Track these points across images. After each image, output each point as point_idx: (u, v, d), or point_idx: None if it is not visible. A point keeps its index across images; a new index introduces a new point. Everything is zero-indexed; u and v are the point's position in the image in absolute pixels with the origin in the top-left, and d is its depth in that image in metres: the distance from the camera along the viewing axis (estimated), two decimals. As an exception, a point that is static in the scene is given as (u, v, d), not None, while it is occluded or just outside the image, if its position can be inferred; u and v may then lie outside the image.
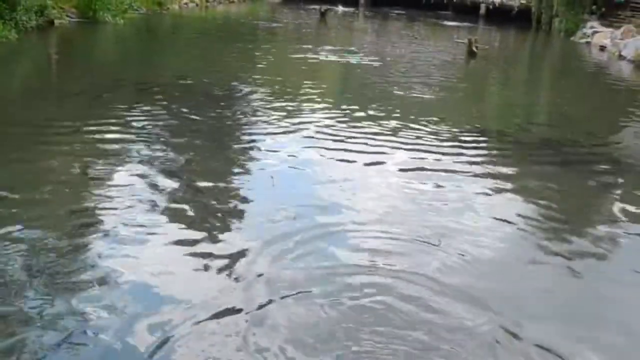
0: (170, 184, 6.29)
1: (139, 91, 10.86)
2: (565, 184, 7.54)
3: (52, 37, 17.11)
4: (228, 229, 5.43)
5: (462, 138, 9.10)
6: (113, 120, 8.54)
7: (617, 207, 6.80)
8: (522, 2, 32.32)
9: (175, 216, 5.52)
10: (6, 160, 6.76)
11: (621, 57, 20.33)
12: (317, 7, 30.77)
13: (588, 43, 23.92)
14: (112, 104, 9.71)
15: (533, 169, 8.08)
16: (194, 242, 5.04)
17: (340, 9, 32.62)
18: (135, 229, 5.15)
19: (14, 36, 14.73)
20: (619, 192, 7.60)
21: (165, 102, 9.78)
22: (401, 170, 7.37)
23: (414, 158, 7.92)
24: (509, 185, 7.24)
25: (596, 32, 24.00)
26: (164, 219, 5.45)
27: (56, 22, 17.64)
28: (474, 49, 18.42)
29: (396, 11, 34.14)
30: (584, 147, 9.37)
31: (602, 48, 22.23)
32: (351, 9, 33.79)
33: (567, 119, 11.72)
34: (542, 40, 27.22)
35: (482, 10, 33.28)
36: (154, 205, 5.69)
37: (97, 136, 7.76)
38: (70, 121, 8.37)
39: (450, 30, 29.10)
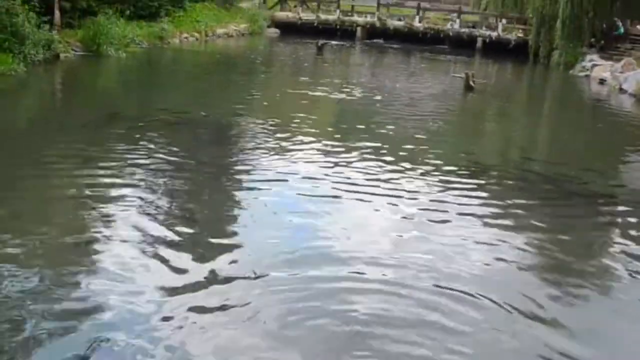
0: (166, 217, 6.46)
1: (138, 124, 10.85)
2: (564, 221, 7.62)
3: (58, 70, 17.18)
4: (221, 265, 5.52)
5: (460, 174, 9.11)
6: (112, 154, 8.69)
7: (615, 243, 6.90)
8: (520, 35, 32.74)
9: (169, 249, 5.71)
10: (5, 192, 6.87)
11: (622, 90, 20.48)
12: (313, 41, 31.13)
13: (587, 76, 24.12)
14: (112, 137, 9.84)
15: (532, 206, 8.06)
16: (186, 275, 5.23)
17: (336, 42, 32.93)
18: (129, 261, 5.35)
19: (22, 69, 14.87)
20: (617, 229, 7.59)
21: (164, 136, 9.98)
22: (394, 205, 7.41)
23: (410, 196, 7.90)
24: (507, 223, 7.24)
25: (595, 65, 24.22)
26: (159, 252, 5.63)
27: (62, 55, 17.68)
28: (472, 83, 18.48)
29: (393, 45, 34.43)
30: (584, 183, 9.31)
31: (602, 81, 22.41)
32: (347, 43, 34.11)
33: (567, 154, 11.74)
34: (540, 74, 27.48)
35: (479, 43, 33.61)
36: (150, 238, 5.89)
37: (96, 169, 7.92)
38: (72, 153, 8.57)
39: (446, 64, 29.43)
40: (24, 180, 7.44)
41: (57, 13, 18.93)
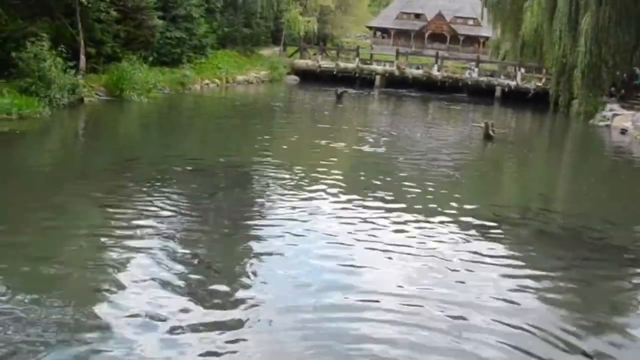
0: (181, 266, 6.39)
1: (156, 170, 10.90)
2: (582, 274, 7.41)
3: (82, 114, 17.56)
4: (235, 318, 5.37)
5: (478, 224, 8.92)
6: (129, 201, 8.66)
7: (632, 299, 6.78)
8: (539, 84, 32.81)
9: (183, 295, 5.68)
10: (18, 236, 6.90)
11: (644, 140, 20.26)
12: (332, 89, 31.46)
13: (608, 126, 23.94)
14: (130, 183, 9.86)
15: (549, 259, 7.85)
16: (199, 326, 5.13)
17: (355, 90, 33.21)
18: (144, 308, 5.30)
19: (47, 112, 15.19)
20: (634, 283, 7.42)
21: (180, 182, 10.05)
22: (413, 255, 7.29)
23: (429, 245, 7.78)
24: (524, 274, 7.10)
25: (616, 114, 24.06)
26: (174, 298, 5.58)
27: (86, 99, 18.06)
28: (491, 132, 18.30)
29: (411, 93, 34.60)
30: (603, 238, 8.98)
31: (624, 131, 22.16)
32: (366, 91, 34.40)
33: (587, 205, 11.42)
34: (560, 123, 27.29)
35: (498, 92, 33.75)
36: (165, 284, 5.85)
37: (113, 215, 7.90)
38: (90, 198, 8.60)
39: (465, 113, 29.45)
40: (38, 223, 7.46)
41: (82, 58, 19.43)
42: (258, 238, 7.61)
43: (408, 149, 16.50)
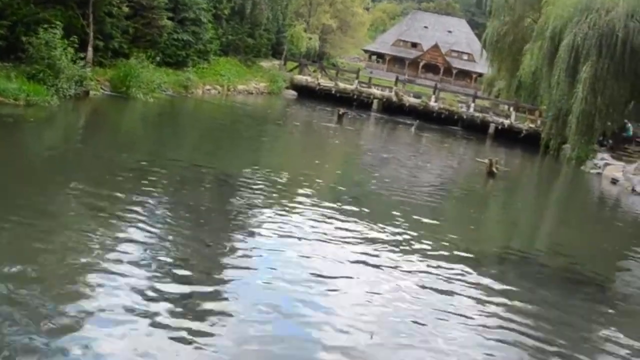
0: (161, 269, 6.38)
1: (153, 172, 10.76)
2: (564, 313, 7.65)
3: (88, 107, 17.33)
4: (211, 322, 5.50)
5: (467, 258, 8.98)
6: (119, 201, 8.52)
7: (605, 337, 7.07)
8: (531, 125, 33.39)
9: (159, 297, 5.73)
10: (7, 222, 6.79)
11: (634, 192, 20.68)
12: (329, 108, 31.61)
13: (599, 174, 24.43)
14: (123, 182, 9.70)
15: (529, 290, 8.14)
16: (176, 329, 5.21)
17: (352, 112, 33.30)
18: (125, 312, 5.34)
19: (56, 102, 14.88)
20: (606, 317, 7.79)
21: (174, 185, 10.04)
22: (390, 281, 7.35)
23: (411, 275, 7.80)
24: (502, 308, 7.25)
25: (608, 164, 24.62)
26: (154, 302, 5.62)
27: (91, 93, 17.81)
28: (494, 169, 18.60)
29: (407, 121, 34.69)
30: (584, 277, 9.40)
31: (614, 181, 22.65)
32: (363, 114, 34.49)
33: (576, 248, 11.72)
34: (552, 166, 27.71)
35: (491, 129, 34.23)
36: (139, 291, 5.78)
37: (99, 213, 7.83)
38: (80, 193, 8.46)
39: (463, 147, 29.78)
40: (25, 210, 7.28)
41: (90, 50, 19.20)
42: (237, 247, 7.62)
43: (407, 180, 16.46)
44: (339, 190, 12.89)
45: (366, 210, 10.95)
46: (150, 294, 5.78)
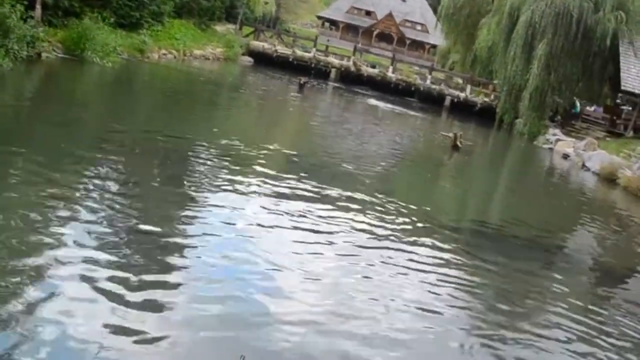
0: (108, 240, 6.13)
1: (106, 140, 10.22)
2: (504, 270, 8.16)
3: (44, 71, 16.24)
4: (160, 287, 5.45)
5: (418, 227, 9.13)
6: (68, 171, 8.08)
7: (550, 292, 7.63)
8: (485, 99, 34.04)
9: (110, 263, 5.63)
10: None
11: (584, 167, 21.47)
12: (285, 76, 31.18)
13: (551, 149, 25.29)
14: (75, 152, 9.11)
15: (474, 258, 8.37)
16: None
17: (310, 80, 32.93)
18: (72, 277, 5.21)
19: (9, 65, 13.85)
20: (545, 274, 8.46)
21: (124, 155, 9.53)
22: (340, 255, 7.29)
23: (362, 243, 7.81)
24: (450, 273, 7.45)
25: (559, 140, 25.44)
26: (102, 264, 5.56)
27: (43, 55, 16.74)
28: (459, 143, 18.93)
29: (363, 91, 34.76)
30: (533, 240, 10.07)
31: (566, 156, 23.48)
32: (320, 82, 34.20)
33: (530, 218, 12.23)
34: (507, 141, 28.39)
35: (447, 102, 34.67)
36: (88, 263, 5.59)
37: (53, 176, 7.55)
38: (32, 163, 7.96)
39: (420, 120, 30.05)
40: None
41: (38, 8, 17.85)
42: (189, 222, 7.32)
43: (363, 146, 16.57)
44: (303, 160, 12.62)
45: (318, 180, 10.61)
46: (94, 272, 5.46)
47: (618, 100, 30.78)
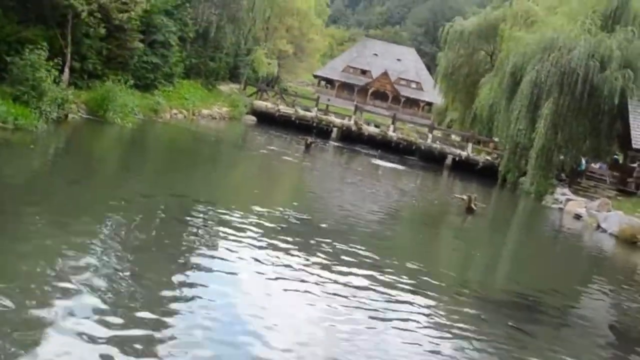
0: (106, 294, 6.13)
1: (120, 199, 10.28)
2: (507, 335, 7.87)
3: (74, 131, 16.53)
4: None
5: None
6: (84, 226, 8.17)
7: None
8: (487, 158, 34.40)
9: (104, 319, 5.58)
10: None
11: (599, 228, 21.14)
12: (288, 135, 31.41)
13: (561, 209, 25.00)
14: (89, 211, 9.19)
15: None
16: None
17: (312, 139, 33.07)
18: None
19: (43, 126, 14.13)
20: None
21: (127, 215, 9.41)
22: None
23: (358, 299, 7.71)
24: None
25: (569, 199, 25.37)
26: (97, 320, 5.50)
27: (69, 116, 16.87)
28: (473, 206, 18.78)
29: (365, 150, 34.84)
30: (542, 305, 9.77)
31: (578, 217, 23.24)
32: (322, 141, 34.07)
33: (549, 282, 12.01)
34: (513, 201, 28.09)
35: (449, 160, 34.92)
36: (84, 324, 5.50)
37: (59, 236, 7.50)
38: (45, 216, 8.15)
39: (422, 177, 30.21)
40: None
41: (66, 72, 18.29)
42: (186, 280, 7.17)
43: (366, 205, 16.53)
44: (316, 218, 12.62)
45: (326, 247, 10.21)
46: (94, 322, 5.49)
47: (616, 156, 31.03)
